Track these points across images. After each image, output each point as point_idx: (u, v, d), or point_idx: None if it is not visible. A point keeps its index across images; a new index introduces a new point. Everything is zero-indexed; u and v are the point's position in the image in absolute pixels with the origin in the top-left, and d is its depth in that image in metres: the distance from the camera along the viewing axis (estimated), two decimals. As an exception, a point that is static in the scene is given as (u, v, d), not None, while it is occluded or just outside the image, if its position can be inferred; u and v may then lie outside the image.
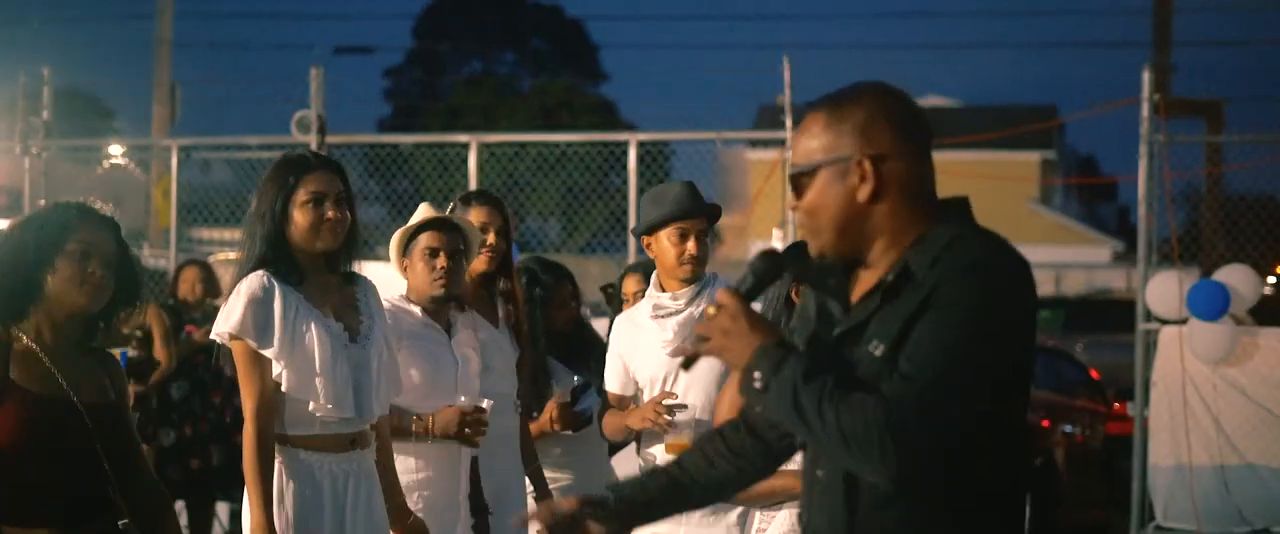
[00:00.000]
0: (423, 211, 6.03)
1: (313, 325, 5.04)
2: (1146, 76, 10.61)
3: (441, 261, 5.87)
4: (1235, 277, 10.20)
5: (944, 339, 2.95)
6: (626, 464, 7.11)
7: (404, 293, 6.00)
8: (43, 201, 12.21)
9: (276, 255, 5.06)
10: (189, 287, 10.73)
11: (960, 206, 3.19)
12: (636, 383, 5.87)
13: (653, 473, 3.52)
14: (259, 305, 4.98)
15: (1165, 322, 10.33)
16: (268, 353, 4.97)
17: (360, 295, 5.23)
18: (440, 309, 5.97)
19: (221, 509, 11.16)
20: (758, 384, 3.05)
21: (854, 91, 3.18)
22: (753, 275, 3.22)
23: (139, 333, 9.86)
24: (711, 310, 3.13)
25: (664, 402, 5.58)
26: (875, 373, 3.01)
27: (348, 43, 55.37)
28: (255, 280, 5.00)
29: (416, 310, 5.93)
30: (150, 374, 9.97)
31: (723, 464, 3.44)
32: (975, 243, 3.05)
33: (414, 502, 5.61)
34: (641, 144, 12.23)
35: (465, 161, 12.38)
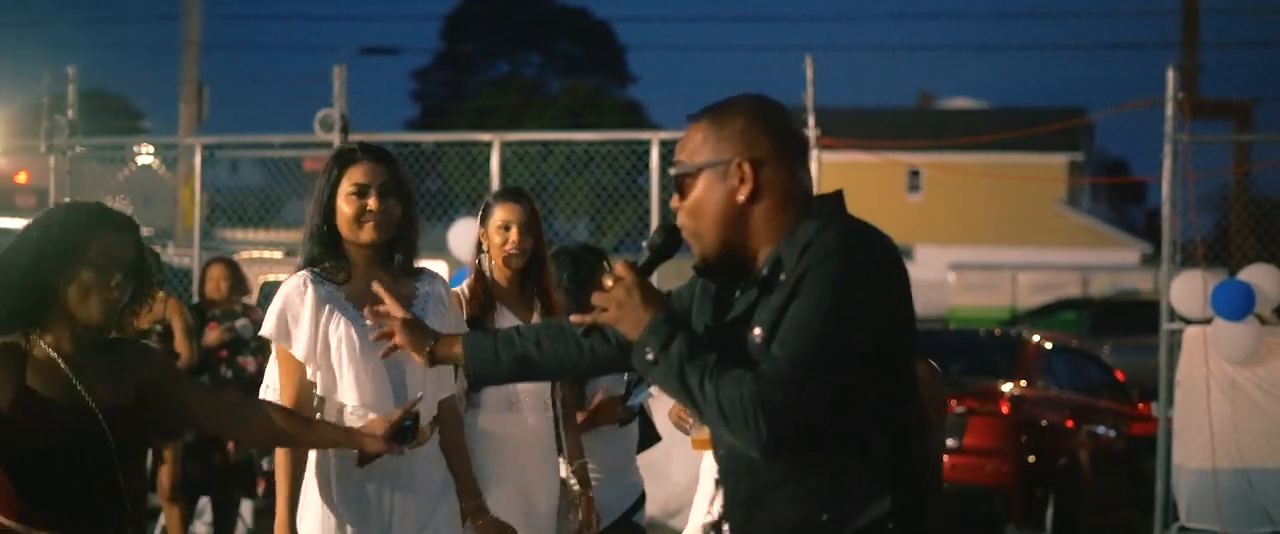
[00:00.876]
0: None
1: (345, 326, 4.96)
2: (1171, 75, 10.56)
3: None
4: (1260, 276, 10.16)
5: (807, 320, 3.20)
6: (649, 460, 7.13)
7: None
8: (67, 200, 12.24)
9: (325, 251, 5.02)
10: (214, 284, 10.73)
11: (832, 201, 3.40)
12: None
13: (508, 342, 3.86)
14: (289, 308, 4.96)
15: (1189, 321, 10.29)
16: (298, 355, 4.95)
17: (421, 289, 5.11)
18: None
19: (245, 507, 11.17)
20: (648, 357, 3.30)
21: (734, 101, 3.41)
22: (649, 250, 3.47)
23: (159, 328, 9.87)
24: (608, 282, 3.39)
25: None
26: (758, 357, 3.25)
27: (374, 44, 55.45)
28: (291, 283, 4.99)
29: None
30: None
31: (569, 348, 3.78)
32: (836, 233, 3.27)
33: None
34: (665, 143, 12.23)
35: (489, 161, 12.38)
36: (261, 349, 11.30)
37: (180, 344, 10.05)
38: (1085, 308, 23.43)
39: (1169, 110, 10.54)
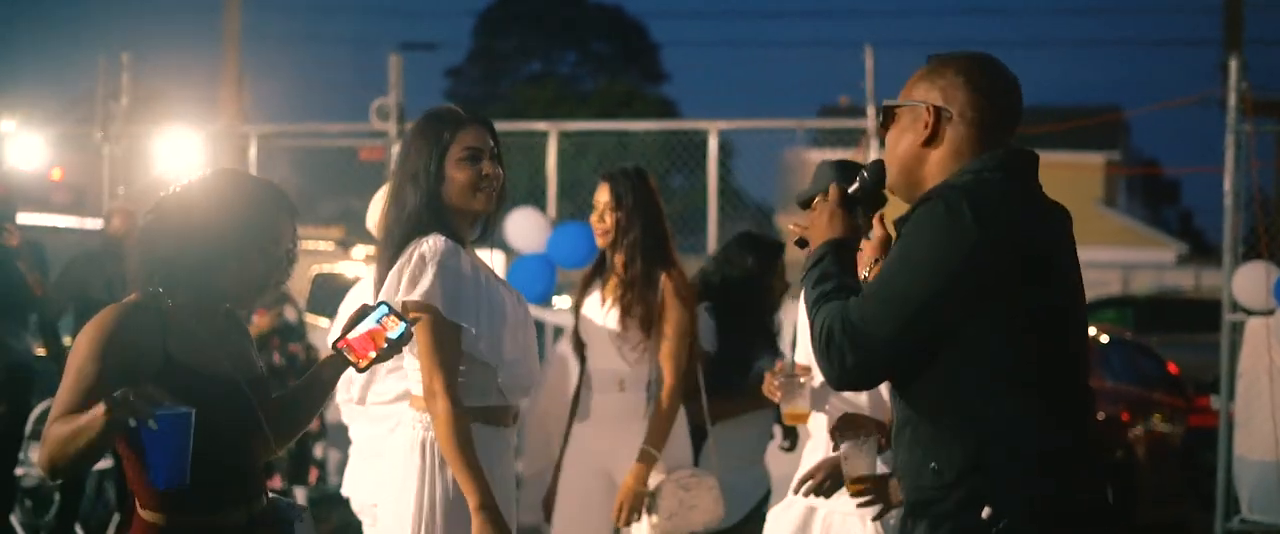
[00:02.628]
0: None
1: (495, 290, 4.72)
2: (1233, 66, 10.52)
3: None
4: (1323, 268, 10.12)
5: (884, 270, 3.44)
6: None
7: None
8: (122, 190, 12.27)
9: (434, 219, 4.67)
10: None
11: (1001, 158, 3.51)
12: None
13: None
14: (450, 271, 4.59)
15: (1251, 312, 10.24)
16: (464, 322, 4.60)
17: (493, 263, 4.92)
18: None
19: (299, 494, 11.18)
20: (802, 276, 3.59)
21: (958, 55, 3.60)
22: (861, 180, 3.74)
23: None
24: (819, 199, 3.65)
25: (783, 371, 5.48)
26: None
27: (410, 40, 55.44)
28: (439, 243, 4.61)
29: None
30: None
31: None
32: (943, 190, 3.43)
33: None
34: (697, 138, 12.23)
35: (532, 151, 12.37)
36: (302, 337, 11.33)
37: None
38: (1129, 305, 23.33)
39: (1231, 102, 10.49)
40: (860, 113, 11.68)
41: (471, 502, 4.52)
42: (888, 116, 3.63)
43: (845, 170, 5.39)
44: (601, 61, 57.33)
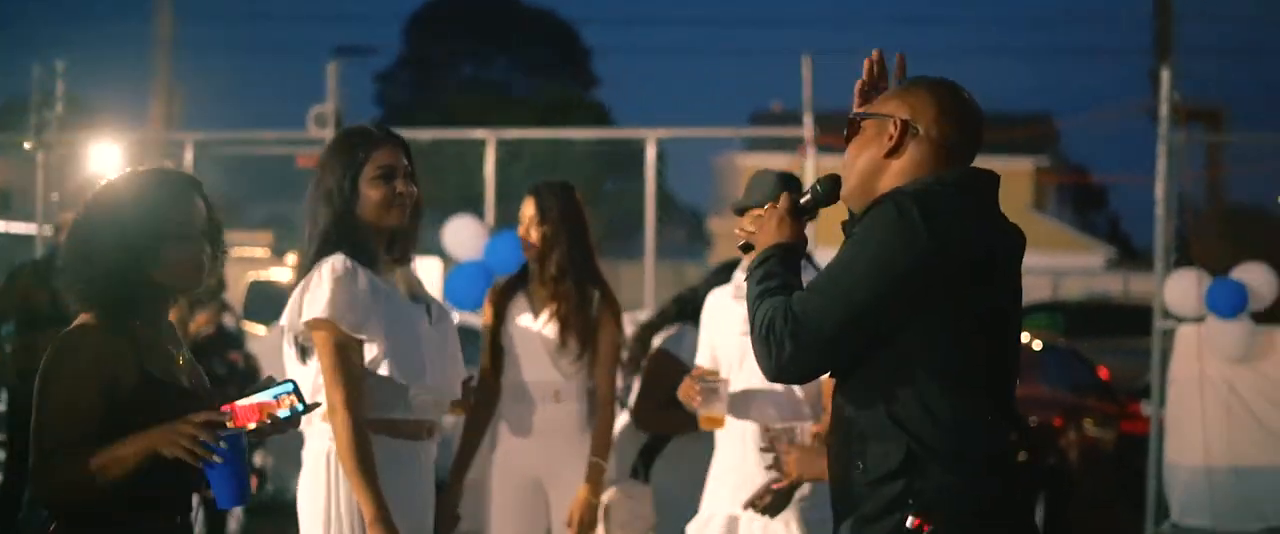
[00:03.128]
0: None
1: (402, 306, 4.86)
2: (1165, 77, 10.68)
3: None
4: (1253, 275, 10.26)
5: (828, 269, 3.51)
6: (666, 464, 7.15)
7: None
8: (56, 196, 12.19)
9: (346, 236, 4.80)
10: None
11: (958, 174, 3.60)
12: (718, 361, 5.75)
13: None
14: (348, 287, 4.72)
15: (1182, 320, 10.38)
16: (363, 336, 4.72)
17: (416, 277, 5.05)
18: None
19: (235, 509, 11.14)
20: (748, 271, 3.65)
21: (928, 78, 3.70)
22: (812, 191, 3.78)
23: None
24: (769, 205, 3.72)
25: (700, 376, 5.52)
26: None
27: (342, 43, 55.25)
28: (338, 262, 4.74)
29: None
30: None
31: None
32: (892, 195, 3.52)
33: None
34: (633, 147, 12.26)
35: (466, 158, 12.38)
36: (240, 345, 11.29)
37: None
38: (1059, 311, 23.51)
39: (1163, 112, 10.63)
40: (795, 120, 11.75)
41: (366, 514, 4.64)
42: (852, 129, 3.71)
43: (789, 181, 5.51)
44: (534, 66, 57.26)
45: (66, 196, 12.08)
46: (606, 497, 6.16)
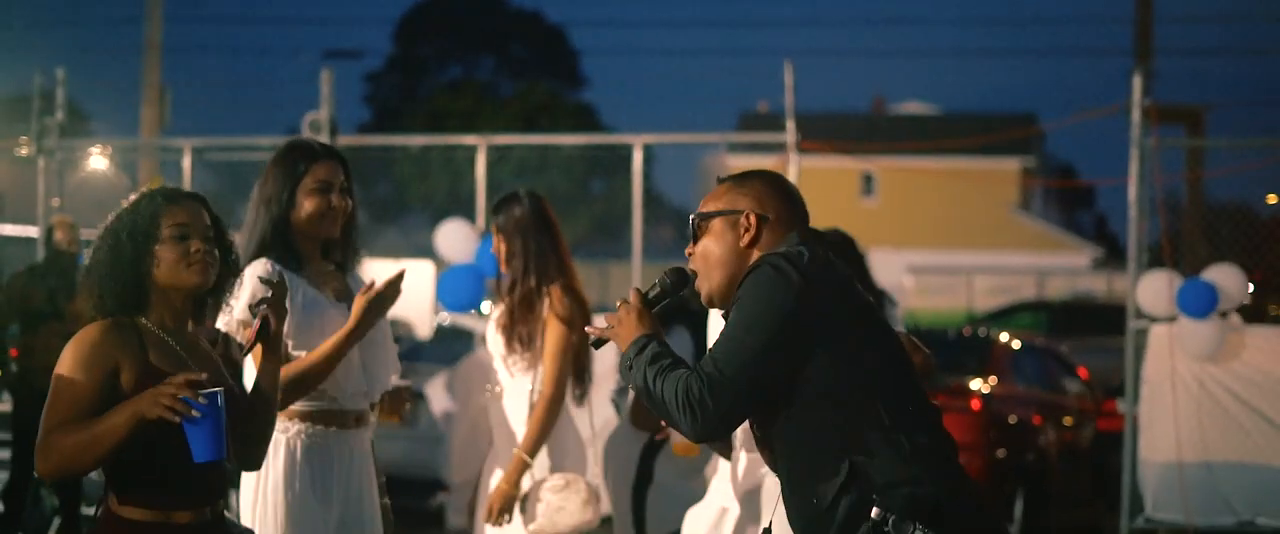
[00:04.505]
0: None
1: (322, 307, 5.28)
2: (1137, 81, 10.86)
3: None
4: (1223, 276, 10.46)
5: (726, 331, 3.85)
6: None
7: None
8: (56, 202, 12.43)
9: (279, 241, 5.25)
10: None
11: (800, 240, 3.97)
12: None
13: None
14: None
15: (1155, 319, 10.60)
16: (287, 336, 5.07)
17: (351, 283, 5.45)
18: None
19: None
20: (627, 364, 3.94)
21: (757, 172, 4.12)
22: (660, 285, 4.09)
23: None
24: (620, 304, 4.02)
25: None
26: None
27: (331, 47, 55.37)
28: (261, 266, 5.16)
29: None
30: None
31: None
32: (762, 260, 3.88)
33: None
34: (620, 150, 12.44)
35: (455, 162, 12.56)
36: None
37: None
38: (1042, 310, 23.80)
39: (1135, 116, 10.83)
40: (779, 123, 11.97)
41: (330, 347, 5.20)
42: (699, 230, 4.05)
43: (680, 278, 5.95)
44: (521, 67, 57.40)
45: (66, 200, 12.32)
46: (529, 486, 6.39)
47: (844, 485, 3.75)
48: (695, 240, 4.06)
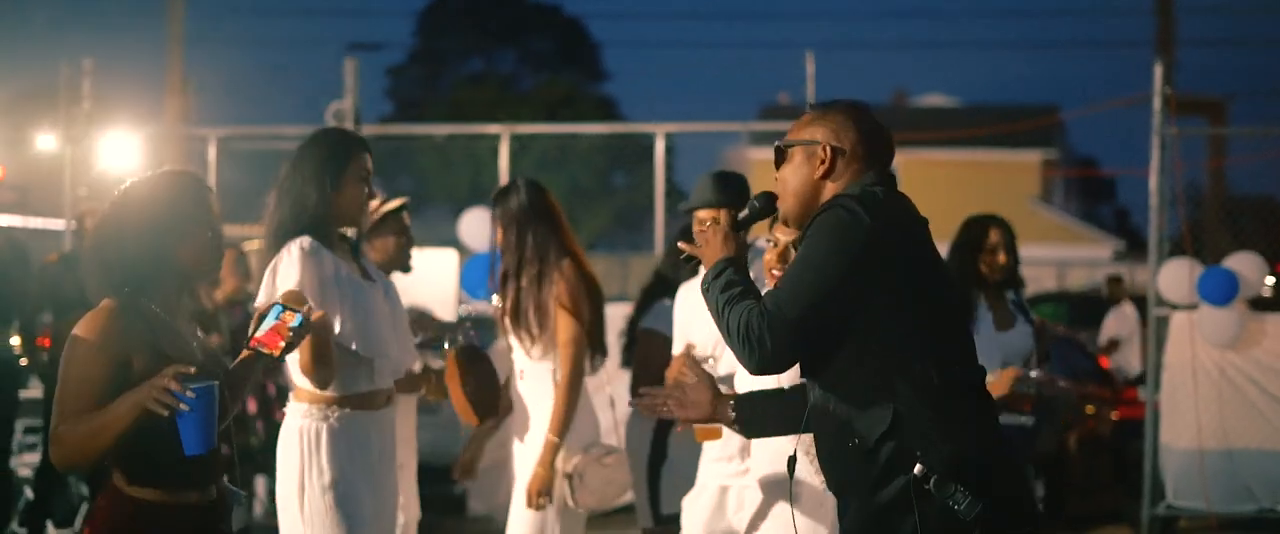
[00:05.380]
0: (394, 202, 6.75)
1: (362, 282, 5.41)
2: (1158, 71, 10.89)
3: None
4: (1244, 264, 10.50)
5: (792, 268, 3.93)
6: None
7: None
8: (83, 191, 12.51)
9: (321, 221, 5.36)
10: (225, 271, 10.92)
11: (875, 179, 4.06)
12: (693, 348, 6.06)
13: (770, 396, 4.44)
14: (315, 267, 5.26)
15: (1176, 307, 10.63)
16: (328, 311, 5.23)
17: (365, 265, 5.60)
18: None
19: (261, 485, 11.42)
20: (705, 286, 4.06)
21: (839, 102, 4.19)
22: (750, 207, 4.26)
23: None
24: (710, 222, 4.22)
25: (688, 355, 5.71)
26: None
27: (353, 39, 55.49)
28: (306, 242, 5.27)
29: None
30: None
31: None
32: (835, 201, 3.95)
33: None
34: (642, 140, 12.48)
35: (478, 153, 12.62)
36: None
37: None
38: (1063, 301, 23.80)
39: (1156, 105, 10.86)
40: (799, 116, 11.96)
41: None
42: (781, 156, 4.14)
43: (727, 181, 6.08)
44: (542, 60, 57.39)
45: (92, 191, 12.41)
46: (575, 464, 6.44)
47: (887, 432, 3.83)
48: (778, 167, 4.14)
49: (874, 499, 3.86)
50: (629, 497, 6.57)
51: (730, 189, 6.06)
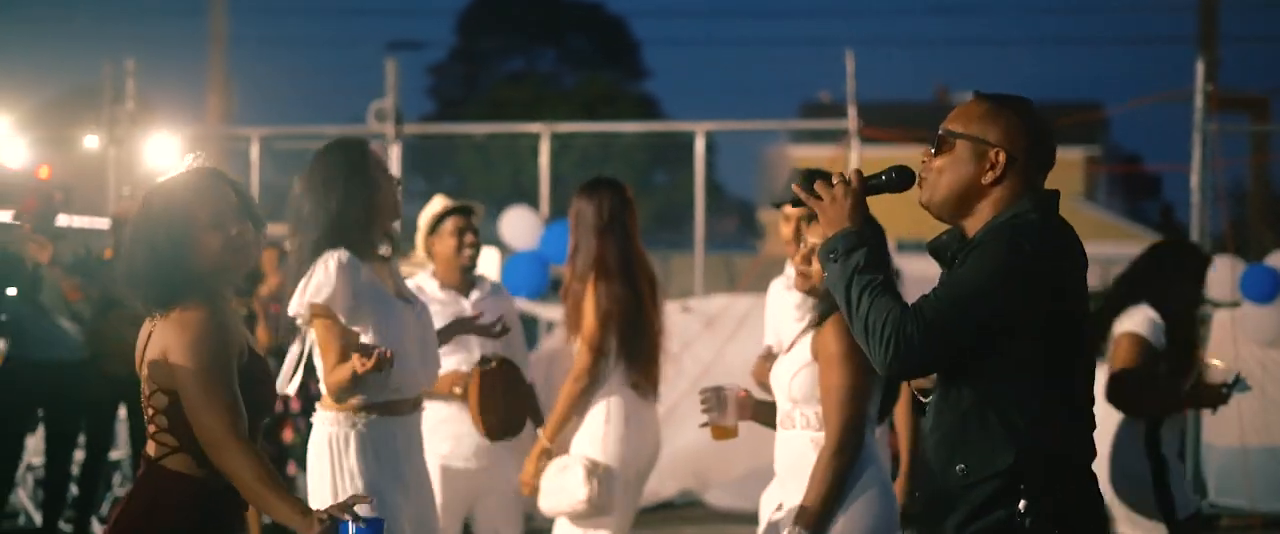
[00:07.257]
0: (442, 201, 6.75)
1: (393, 300, 5.47)
2: (1200, 68, 10.86)
3: (469, 239, 6.73)
4: (1286, 262, 10.47)
5: (952, 284, 3.70)
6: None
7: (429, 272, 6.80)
8: (128, 190, 12.59)
9: (359, 231, 5.42)
10: (268, 270, 10.96)
11: (1041, 198, 3.81)
12: (782, 344, 6.05)
13: None
14: (350, 281, 5.34)
15: (1218, 305, 10.59)
16: (355, 325, 5.34)
17: (395, 278, 5.64)
18: (463, 284, 6.79)
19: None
20: (831, 257, 3.78)
21: (1017, 99, 3.86)
22: (884, 177, 3.90)
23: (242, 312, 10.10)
24: (837, 178, 3.85)
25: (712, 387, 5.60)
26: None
27: (393, 38, 55.64)
28: (343, 256, 5.34)
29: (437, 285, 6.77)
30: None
31: None
32: (1007, 228, 3.72)
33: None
34: (682, 139, 12.49)
35: (518, 152, 12.65)
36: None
37: (261, 331, 10.21)
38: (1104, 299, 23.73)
39: (1198, 102, 10.83)
40: (841, 112, 11.98)
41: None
42: (943, 143, 3.83)
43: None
44: (582, 58, 57.41)
45: (135, 190, 12.48)
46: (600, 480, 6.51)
47: (998, 472, 3.68)
48: (937, 152, 3.84)
49: (968, 529, 3.73)
50: (574, 509, 6.53)
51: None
